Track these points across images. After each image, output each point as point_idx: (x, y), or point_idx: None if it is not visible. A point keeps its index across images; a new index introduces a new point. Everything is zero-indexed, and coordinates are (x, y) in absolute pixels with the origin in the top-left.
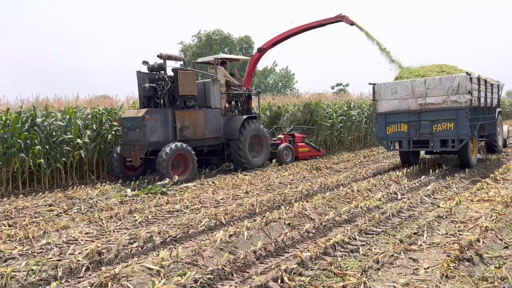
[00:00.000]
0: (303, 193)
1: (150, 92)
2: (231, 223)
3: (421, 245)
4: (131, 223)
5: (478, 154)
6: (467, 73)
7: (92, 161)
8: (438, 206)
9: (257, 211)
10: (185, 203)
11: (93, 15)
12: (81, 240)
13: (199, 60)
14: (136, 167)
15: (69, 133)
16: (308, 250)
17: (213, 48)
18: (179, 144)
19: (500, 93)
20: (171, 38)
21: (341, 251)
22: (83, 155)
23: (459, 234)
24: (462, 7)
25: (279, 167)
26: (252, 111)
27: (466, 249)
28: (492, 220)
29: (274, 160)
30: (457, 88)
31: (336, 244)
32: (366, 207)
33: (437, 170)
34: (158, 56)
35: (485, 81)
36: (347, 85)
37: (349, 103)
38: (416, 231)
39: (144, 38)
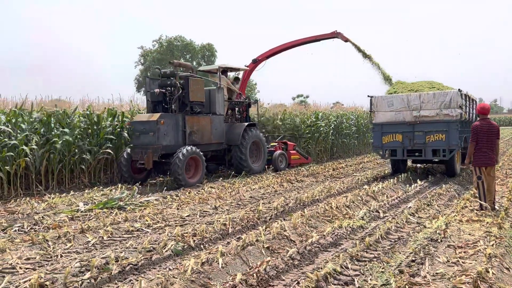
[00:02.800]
0: (279, 210)
1: (160, 97)
2: (201, 246)
3: (425, 276)
4: (83, 245)
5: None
6: (459, 90)
7: (40, 170)
8: (425, 227)
9: (230, 231)
10: (146, 220)
11: (47, 14)
12: (20, 268)
13: (202, 68)
14: (141, 171)
15: (13, 139)
16: (298, 284)
17: (174, 54)
18: (191, 148)
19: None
20: (130, 42)
21: (334, 284)
22: (29, 163)
23: (462, 262)
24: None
25: (248, 179)
26: (250, 119)
27: (478, 282)
28: (492, 245)
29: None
30: (449, 103)
31: (328, 275)
32: (350, 227)
33: (413, 185)
34: (170, 63)
35: (469, 97)
36: (307, 96)
37: (316, 114)
38: (413, 258)
39: (104, 40)
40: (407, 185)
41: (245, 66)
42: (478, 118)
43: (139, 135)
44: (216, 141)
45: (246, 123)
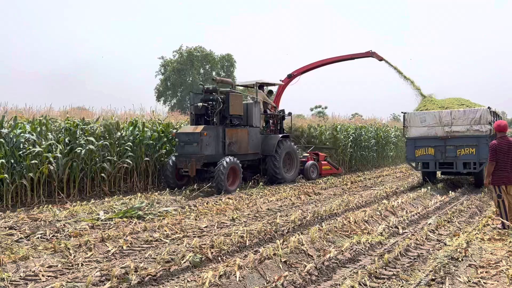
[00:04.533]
0: (296, 223)
1: (202, 110)
2: (219, 258)
3: None
4: (103, 254)
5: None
6: (488, 107)
7: (62, 178)
8: (445, 244)
9: (247, 244)
10: (165, 230)
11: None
12: (42, 276)
13: (239, 83)
14: (184, 177)
15: (38, 147)
16: None
17: (194, 64)
18: (232, 158)
19: None
20: (151, 52)
21: None
22: (52, 171)
23: (484, 282)
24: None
25: (265, 191)
26: (284, 131)
27: None
28: None
29: (261, 183)
30: (479, 119)
31: None
32: (369, 243)
33: (433, 201)
34: (213, 79)
35: (496, 113)
36: (325, 107)
37: (335, 125)
38: (433, 277)
39: (124, 50)
40: (427, 200)
41: (280, 80)
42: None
43: (184, 145)
44: (252, 151)
45: (280, 135)
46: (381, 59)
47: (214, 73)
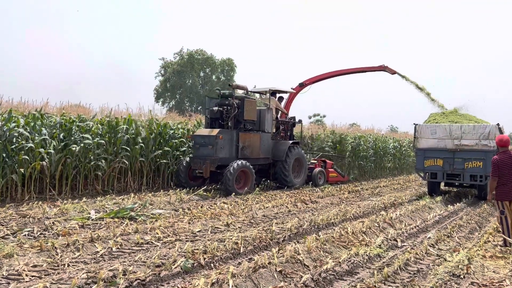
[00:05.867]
0: (293, 231)
1: (217, 114)
2: (212, 264)
3: None
4: (91, 255)
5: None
6: (497, 124)
7: (54, 175)
8: (445, 260)
9: (241, 251)
10: (157, 233)
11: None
12: (26, 275)
13: (253, 89)
14: (197, 178)
15: (31, 142)
16: None
17: (194, 67)
18: (243, 162)
19: None
20: (151, 53)
21: None
22: (45, 167)
23: None
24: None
25: (261, 197)
26: (294, 137)
27: None
28: None
29: (257, 189)
30: (487, 135)
31: None
32: (367, 255)
33: (431, 214)
34: (229, 85)
35: (501, 129)
36: (324, 116)
37: (342, 135)
38: None
39: (124, 49)
40: (426, 214)
41: (292, 88)
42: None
43: (199, 147)
44: (263, 156)
45: (290, 141)
46: (394, 72)
47: (214, 76)
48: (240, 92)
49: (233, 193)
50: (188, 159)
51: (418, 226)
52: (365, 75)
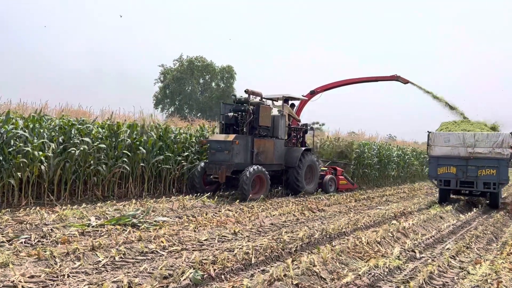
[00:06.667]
0: (304, 241)
1: (232, 120)
2: (223, 276)
3: None
4: (93, 265)
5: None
6: (511, 133)
7: (53, 179)
8: (468, 272)
9: (253, 262)
10: (162, 242)
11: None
12: (22, 287)
13: (266, 95)
14: (211, 183)
15: (30, 145)
16: None
17: (194, 74)
18: (258, 167)
19: None
20: (151, 59)
21: None
22: (43, 171)
23: None
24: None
25: (267, 205)
26: (306, 144)
27: None
28: None
29: (262, 196)
30: (501, 143)
31: None
32: (387, 267)
33: (445, 224)
34: (245, 91)
35: None
36: (323, 124)
37: (353, 142)
38: None
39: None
40: (437, 223)
41: (302, 96)
42: None
43: (215, 153)
44: (277, 162)
45: (303, 148)
46: (406, 82)
47: (213, 83)
48: (253, 98)
49: (249, 199)
50: (203, 164)
51: (433, 236)
52: (376, 84)
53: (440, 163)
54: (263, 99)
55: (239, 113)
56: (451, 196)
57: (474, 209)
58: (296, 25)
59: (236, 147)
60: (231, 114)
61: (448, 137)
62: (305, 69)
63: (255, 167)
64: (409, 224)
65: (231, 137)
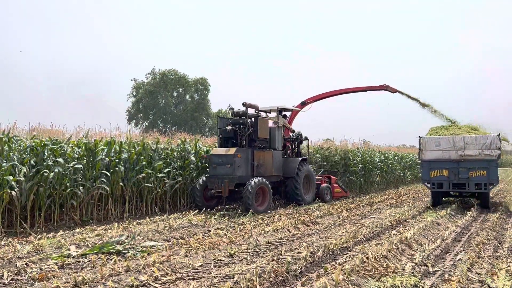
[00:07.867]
0: (308, 260)
1: (231, 133)
2: None
3: None
4: None
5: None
6: (498, 134)
7: (26, 205)
8: (489, 286)
9: None
10: (153, 271)
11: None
12: None
13: (261, 108)
14: (212, 198)
15: None
16: None
17: (167, 87)
18: (260, 179)
19: None
20: (122, 74)
21: None
22: (14, 197)
23: None
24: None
25: (259, 220)
26: (301, 154)
27: None
28: None
29: (251, 211)
30: (489, 145)
31: None
32: (404, 286)
33: (446, 232)
34: (243, 104)
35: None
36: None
37: (316, 149)
38: None
39: (94, 71)
40: (437, 231)
41: (293, 106)
42: None
43: (216, 167)
44: (276, 173)
45: (300, 158)
46: (395, 91)
47: (187, 96)
48: (249, 110)
49: (253, 212)
50: (204, 178)
51: (439, 246)
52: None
53: (432, 167)
54: (259, 111)
55: (237, 126)
56: (443, 199)
57: (468, 212)
58: (269, 34)
59: (237, 160)
60: (229, 127)
61: (439, 141)
62: (281, 79)
63: (257, 179)
64: (410, 234)
65: (233, 150)
